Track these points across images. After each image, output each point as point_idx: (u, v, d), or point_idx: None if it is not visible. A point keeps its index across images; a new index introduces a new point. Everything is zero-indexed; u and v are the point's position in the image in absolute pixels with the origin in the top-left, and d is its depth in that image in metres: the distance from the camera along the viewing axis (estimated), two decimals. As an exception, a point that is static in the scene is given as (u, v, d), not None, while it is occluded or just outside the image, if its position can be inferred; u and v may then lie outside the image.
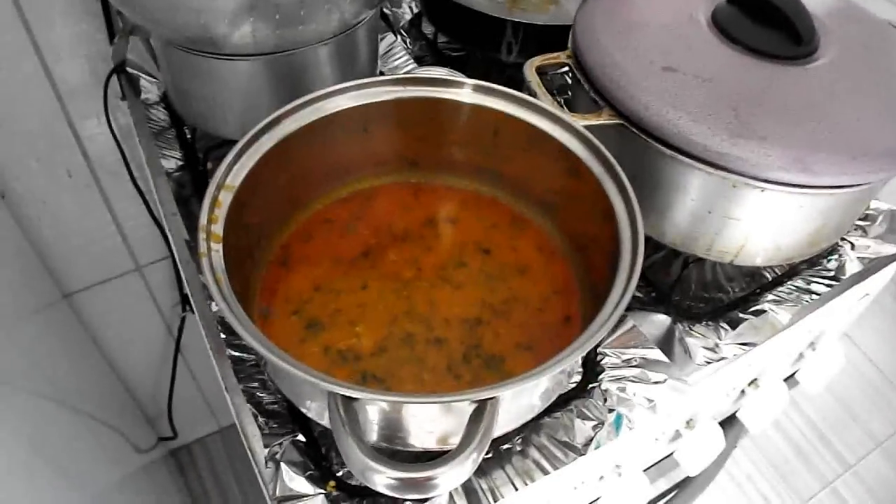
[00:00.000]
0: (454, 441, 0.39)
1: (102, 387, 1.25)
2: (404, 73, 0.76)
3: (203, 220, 0.45)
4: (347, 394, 0.38)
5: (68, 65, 0.87)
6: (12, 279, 0.97)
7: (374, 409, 0.41)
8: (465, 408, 0.40)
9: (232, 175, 0.49)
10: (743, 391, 0.68)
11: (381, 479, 0.37)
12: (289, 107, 0.52)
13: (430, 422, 0.43)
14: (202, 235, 0.45)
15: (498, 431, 0.44)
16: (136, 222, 1.08)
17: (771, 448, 1.51)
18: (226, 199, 0.48)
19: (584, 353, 0.41)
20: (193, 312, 1.19)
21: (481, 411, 0.39)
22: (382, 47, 0.81)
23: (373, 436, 0.43)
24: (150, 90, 0.79)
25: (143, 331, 1.26)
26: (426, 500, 0.49)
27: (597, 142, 0.51)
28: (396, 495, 0.38)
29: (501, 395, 0.39)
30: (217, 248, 0.45)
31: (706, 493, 0.85)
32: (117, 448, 1.23)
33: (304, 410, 0.48)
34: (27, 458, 0.81)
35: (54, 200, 0.98)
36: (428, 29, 0.88)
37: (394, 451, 0.45)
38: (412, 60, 0.80)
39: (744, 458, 1.49)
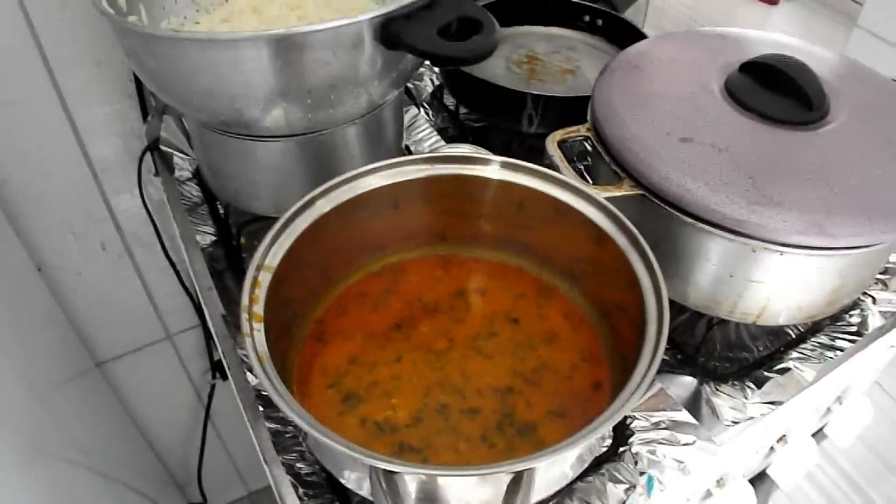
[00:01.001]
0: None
1: (133, 453, 1.26)
2: (430, 150, 0.78)
3: (245, 300, 0.47)
4: (388, 468, 0.39)
5: (103, 142, 0.91)
6: (47, 348, 0.99)
7: (413, 480, 0.42)
8: (503, 478, 0.41)
9: (270, 256, 0.51)
10: (772, 448, 0.69)
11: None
12: (322, 188, 0.54)
13: (468, 492, 0.44)
14: (245, 316, 0.47)
15: (533, 499, 0.45)
16: (167, 291, 1.11)
17: (805, 502, 1.49)
18: (265, 279, 0.50)
19: (615, 422, 0.43)
20: (224, 380, 1.21)
21: (518, 481, 0.40)
22: (406, 119, 0.84)
23: (413, 506, 0.45)
24: (182, 167, 0.82)
25: (173, 398, 1.27)
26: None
27: (619, 213, 0.53)
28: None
29: (537, 466, 0.41)
30: (259, 327, 0.47)
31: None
32: (149, 515, 1.24)
33: (343, 482, 0.49)
34: (60, 526, 0.83)
35: (89, 272, 1.01)
36: (450, 101, 0.91)
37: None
38: (435, 133, 0.83)
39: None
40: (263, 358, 0.45)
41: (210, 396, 1.25)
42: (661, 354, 0.45)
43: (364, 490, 0.47)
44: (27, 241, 0.93)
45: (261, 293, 0.49)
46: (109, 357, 1.13)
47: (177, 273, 1.01)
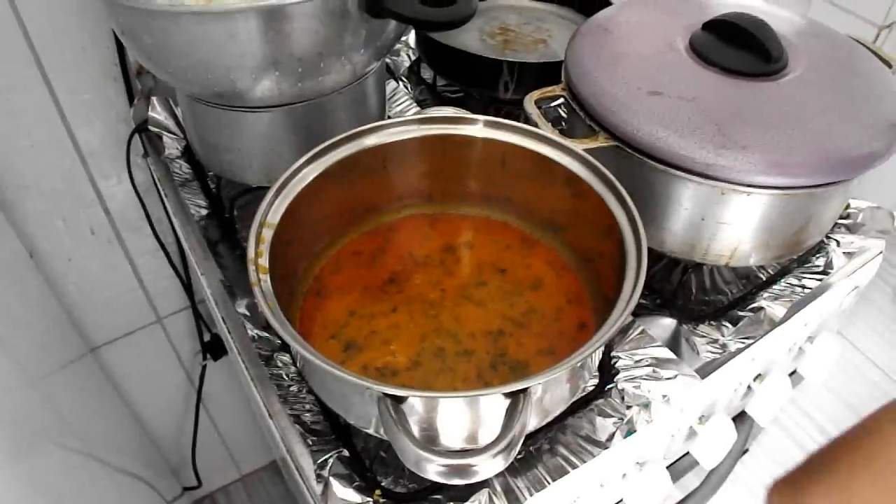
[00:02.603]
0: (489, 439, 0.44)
1: (128, 438, 1.28)
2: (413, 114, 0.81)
3: (251, 253, 0.50)
4: (397, 393, 0.43)
5: (90, 127, 0.92)
6: (41, 335, 1.01)
7: (418, 411, 0.46)
8: (501, 404, 0.44)
9: (272, 213, 0.54)
10: (749, 387, 0.73)
11: (433, 466, 0.41)
12: (317, 149, 0.57)
13: (469, 418, 0.47)
14: (252, 267, 0.50)
15: (529, 427, 0.49)
16: (156, 275, 1.12)
17: (783, 454, 1.55)
18: (268, 235, 0.53)
19: (601, 345, 0.46)
20: (216, 359, 1.23)
21: (516, 405, 0.44)
22: (387, 92, 0.87)
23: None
24: (171, 146, 0.85)
25: (165, 381, 1.29)
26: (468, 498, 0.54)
27: (596, 162, 0.57)
28: (444, 481, 0.43)
29: (532, 388, 0.44)
30: (265, 278, 0.50)
31: (721, 497, 0.89)
32: (146, 499, 1.26)
33: (351, 420, 0.52)
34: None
35: (78, 257, 1.03)
36: (426, 74, 0.94)
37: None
38: (415, 104, 0.86)
39: (755, 464, 1.52)
40: (272, 304, 0.48)
41: (201, 378, 1.28)
42: (641, 284, 0.49)
43: (372, 426, 0.50)
44: (18, 228, 0.94)
45: (264, 248, 0.52)
46: (101, 342, 1.15)
47: (167, 254, 1.04)
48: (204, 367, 1.27)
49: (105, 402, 1.20)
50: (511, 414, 0.44)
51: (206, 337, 1.22)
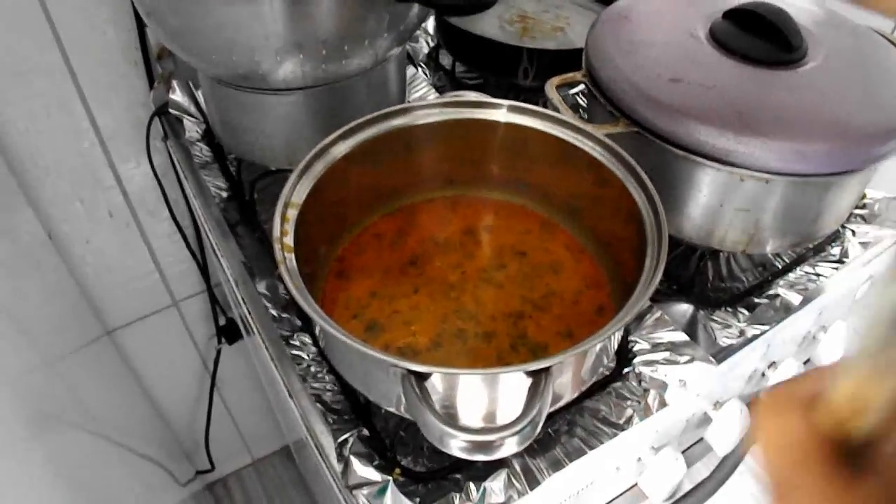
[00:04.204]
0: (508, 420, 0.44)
1: (143, 421, 1.29)
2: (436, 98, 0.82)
3: (276, 232, 0.51)
4: (421, 370, 0.43)
5: (110, 110, 0.93)
6: (59, 316, 1.02)
7: (439, 389, 0.46)
8: (522, 383, 0.45)
9: (296, 193, 0.55)
10: (764, 374, 0.73)
11: (456, 442, 0.42)
12: (341, 131, 0.58)
13: (489, 399, 0.48)
14: (277, 246, 0.50)
15: (549, 407, 0.50)
16: (173, 258, 1.14)
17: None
18: (292, 214, 0.53)
19: (621, 327, 0.47)
20: (231, 343, 1.25)
21: (538, 384, 0.44)
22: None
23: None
24: (191, 129, 0.86)
25: (179, 365, 1.31)
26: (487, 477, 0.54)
27: (618, 148, 0.57)
28: (467, 456, 0.43)
29: (554, 368, 0.45)
30: (290, 256, 0.51)
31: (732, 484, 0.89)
32: (160, 482, 1.27)
33: (373, 398, 0.53)
34: (72, 493, 0.85)
35: (96, 239, 1.04)
36: (445, 60, 0.95)
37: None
38: (434, 90, 0.86)
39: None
40: (297, 283, 0.49)
41: (216, 362, 1.29)
42: (661, 268, 0.49)
43: (394, 404, 0.51)
44: (37, 209, 0.96)
45: (289, 227, 0.52)
46: (118, 325, 1.16)
47: (184, 237, 1.05)
48: (219, 352, 1.28)
49: (121, 384, 1.21)
50: (533, 393, 0.44)
51: (222, 321, 1.23)
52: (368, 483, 0.54)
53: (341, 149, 0.58)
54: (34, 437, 0.81)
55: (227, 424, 1.49)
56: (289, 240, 0.52)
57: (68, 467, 0.88)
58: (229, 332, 1.24)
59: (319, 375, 0.61)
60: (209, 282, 1.15)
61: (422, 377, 0.44)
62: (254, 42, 0.58)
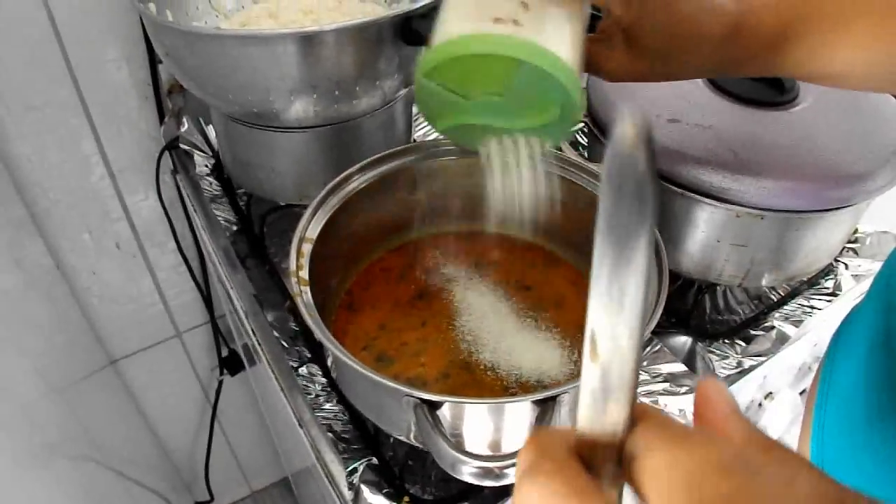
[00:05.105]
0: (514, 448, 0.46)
1: (144, 451, 1.29)
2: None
3: (293, 266, 0.53)
4: (435, 399, 0.45)
5: (120, 144, 0.95)
6: (66, 346, 1.03)
7: (448, 418, 0.48)
8: (529, 413, 0.47)
9: (310, 229, 0.57)
10: (760, 404, 0.75)
11: (468, 468, 0.44)
12: (354, 168, 0.60)
13: (496, 429, 0.50)
14: (293, 279, 0.52)
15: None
16: (178, 290, 1.15)
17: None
18: (307, 249, 0.55)
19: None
20: (232, 375, 1.25)
21: (545, 413, 0.46)
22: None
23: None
24: (200, 164, 0.88)
25: (181, 395, 1.31)
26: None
27: (619, 185, 0.60)
28: (476, 482, 0.45)
29: (560, 397, 0.47)
30: (306, 289, 0.52)
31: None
32: (159, 512, 1.27)
33: (383, 426, 0.54)
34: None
35: (103, 270, 1.05)
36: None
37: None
38: (437, 127, 0.89)
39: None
40: (314, 314, 0.50)
41: (217, 393, 1.30)
42: (662, 303, 0.51)
43: (404, 432, 0.53)
44: (46, 240, 0.97)
45: (304, 261, 0.54)
46: (122, 355, 1.17)
47: (189, 269, 1.06)
48: (220, 383, 1.29)
49: (123, 414, 1.22)
50: (540, 422, 0.46)
51: (224, 352, 1.25)
52: (379, 511, 0.56)
53: (354, 185, 0.61)
54: (38, 463, 0.81)
55: (227, 455, 1.49)
56: (304, 273, 0.54)
57: (70, 494, 0.88)
58: (232, 363, 1.25)
59: (328, 405, 0.63)
60: (213, 313, 1.17)
61: (434, 406, 0.46)
62: (268, 82, 0.61)
